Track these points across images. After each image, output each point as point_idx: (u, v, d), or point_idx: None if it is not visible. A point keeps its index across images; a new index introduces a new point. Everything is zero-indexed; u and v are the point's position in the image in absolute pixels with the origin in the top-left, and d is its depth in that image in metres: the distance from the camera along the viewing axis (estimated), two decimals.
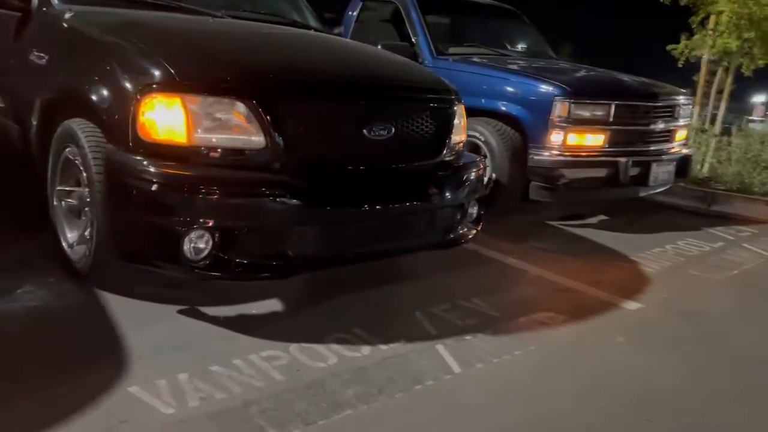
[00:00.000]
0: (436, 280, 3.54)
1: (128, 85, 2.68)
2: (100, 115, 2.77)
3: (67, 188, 3.13)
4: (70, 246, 3.10)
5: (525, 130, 4.78)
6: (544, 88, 4.70)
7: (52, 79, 3.20)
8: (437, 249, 3.35)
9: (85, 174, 2.87)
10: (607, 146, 4.73)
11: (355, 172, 2.94)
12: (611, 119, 4.69)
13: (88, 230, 2.90)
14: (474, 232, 3.52)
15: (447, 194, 3.25)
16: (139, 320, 2.73)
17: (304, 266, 2.83)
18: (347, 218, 2.87)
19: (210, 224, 2.59)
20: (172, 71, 2.62)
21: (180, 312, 2.85)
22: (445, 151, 3.30)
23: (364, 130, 2.91)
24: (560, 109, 4.59)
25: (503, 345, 2.82)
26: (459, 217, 3.40)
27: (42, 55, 3.32)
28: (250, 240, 2.69)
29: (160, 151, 2.61)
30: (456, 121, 3.39)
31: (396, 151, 3.09)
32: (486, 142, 4.89)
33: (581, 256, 4.25)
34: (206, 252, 2.63)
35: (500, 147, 4.82)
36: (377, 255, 3.09)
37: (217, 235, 2.61)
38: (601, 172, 4.75)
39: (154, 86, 2.61)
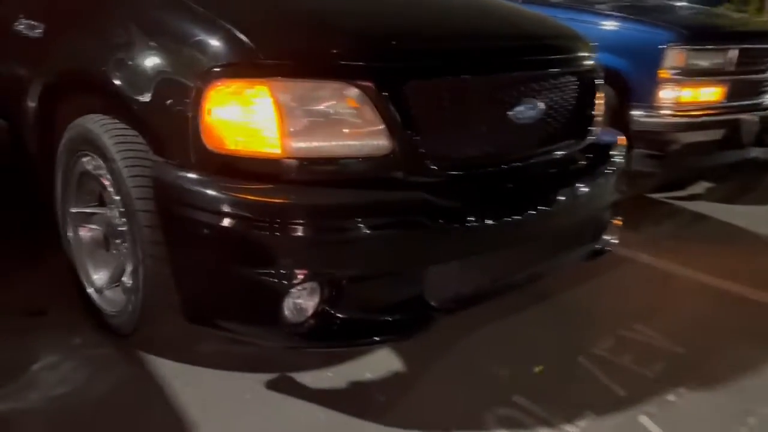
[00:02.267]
0: (571, 298, 2.74)
1: (184, 69, 1.77)
2: (138, 112, 1.87)
3: (86, 210, 2.24)
4: (98, 291, 2.23)
5: (624, 86, 3.91)
6: (652, 32, 3.81)
7: (54, 57, 2.25)
8: (585, 261, 2.55)
9: (117, 196, 1.98)
10: (726, 101, 3.89)
11: (506, 174, 2.08)
12: (734, 68, 3.84)
13: (127, 274, 2.04)
14: (618, 232, 2.72)
15: (599, 187, 2.41)
16: (220, 407, 1.90)
17: (445, 312, 2.00)
18: (505, 239, 2.03)
19: (323, 273, 1.75)
20: (252, 45, 1.72)
21: (269, 386, 2.02)
22: (591, 130, 2.45)
23: (510, 113, 2.05)
24: (674, 58, 3.72)
25: (721, 407, 2.05)
26: (607, 216, 2.58)
27: (34, 23, 2.36)
28: (377, 288, 1.85)
29: (239, 167, 1.73)
30: (598, 89, 2.53)
31: (542, 137, 2.23)
32: None
33: (721, 243, 3.47)
34: (312, 310, 1.80)
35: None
36: (528, 280, 2.28)
37: (330, 286, 1.78)
38: (719, 134, 3.93)
39: (225, 69, 1.71)
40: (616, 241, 2.64)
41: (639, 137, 3.87)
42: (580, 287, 2.80)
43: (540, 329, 2.47)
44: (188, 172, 1.75)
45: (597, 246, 2.55)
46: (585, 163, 2.42)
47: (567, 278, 2.78)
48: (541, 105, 2.15)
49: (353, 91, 1.75)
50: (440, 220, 1.83)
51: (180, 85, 1.75)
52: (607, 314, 2.61)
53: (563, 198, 2.21)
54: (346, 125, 1.78)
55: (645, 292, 2.86)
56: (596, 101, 2.48)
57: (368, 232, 1.75)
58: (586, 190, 2.33)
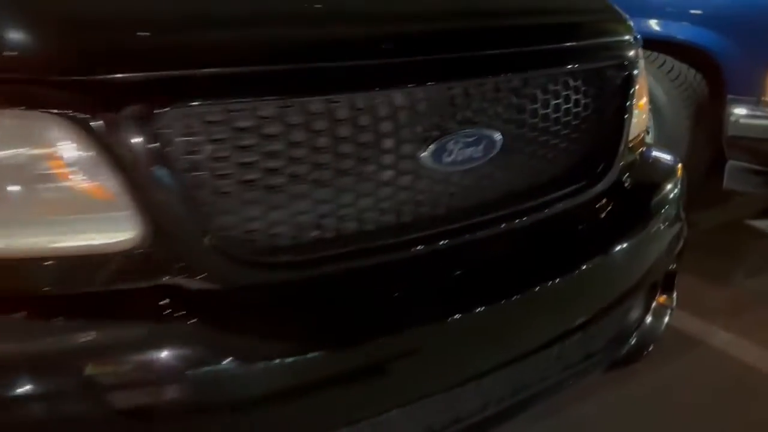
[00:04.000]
0: (585, 413, 1.76)
1: None
2: None
3: None
4: None
5: (718, 72, 2.76)
6: None
7: None
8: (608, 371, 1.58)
9: None
10: None
11: (422, 263, 1.15)
12: None
13: None
14: (667, 318, 1.71)
15: (631, 258, 1.43)
16: None
17: None
18: (431, 381, 1.12)
19: None
20: None
21: None
22: (617, 163, 1.45)
23: (425, 154, 1.11)
24: None
25: None
26: (647, 302, 1.59)
27: None
28: None
29: None
30: (636, 92, 1.51)
31: (502, 189, 1.27)
32: None
33: None
34: None
35: (671, 101, 2.85)
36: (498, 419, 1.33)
37: None
38: None
39: None
40: (662, 331, 1.65)
41: (736, 144, 2.73)
42: (604, 394, 1.81)
43: None
44: None
45: (628, 347, 1.57)
46: (604, 219, 1.44)
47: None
48: (497, 136, 1.19)
49: (52, 128, 0.89)
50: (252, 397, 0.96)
51: None
52: None
53: (551, 288, 1.26)
54: (58, 189, 0.92)
55: (712, 411, 1.82)
56: (630, 113, 1.47)
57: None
58: (605, 266, 1.37)
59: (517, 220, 1.27)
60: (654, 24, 2.92)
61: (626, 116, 1.44)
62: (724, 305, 2.30)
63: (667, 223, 1.54)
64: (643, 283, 1.49)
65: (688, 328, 2.15)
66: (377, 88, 1.05)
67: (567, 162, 1.37)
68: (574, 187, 1.37)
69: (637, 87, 1.48)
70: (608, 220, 1.43)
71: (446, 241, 1.19)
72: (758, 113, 2.63)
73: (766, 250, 2.81)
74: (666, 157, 1.75)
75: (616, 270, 1.41)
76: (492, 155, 1.20)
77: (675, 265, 1.72)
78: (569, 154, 1.37)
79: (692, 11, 2.79)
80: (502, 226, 1.26)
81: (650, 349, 1.66)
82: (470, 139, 1.15)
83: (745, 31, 2.64)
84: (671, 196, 1.59)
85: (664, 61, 2.89)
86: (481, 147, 1.17)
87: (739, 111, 2.68)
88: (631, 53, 1.46)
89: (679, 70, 2.87)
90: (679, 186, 1.64)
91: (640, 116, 1.61)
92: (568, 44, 1.29)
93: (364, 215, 1.10)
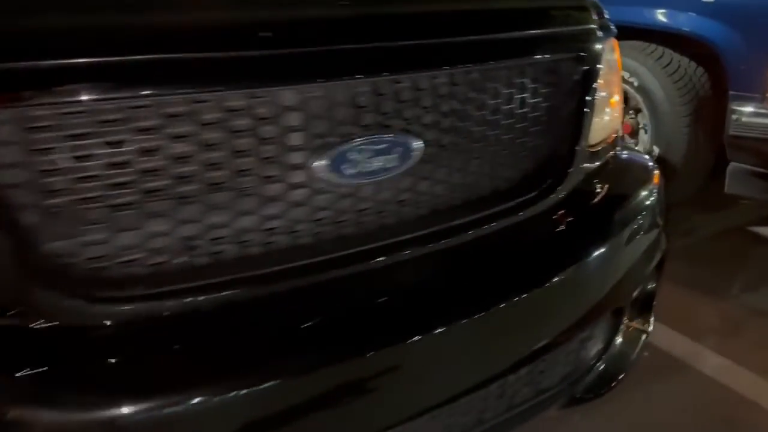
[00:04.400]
0: None
1: None
2: None
3: None
4: None
5: (722, 65, 2.53)
6: None
7: None
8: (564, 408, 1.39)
9: None
10: None
11: (315, 295, 0.96)
12: None
13: None
14: (641, 345, 1.51)
15: (589, 282, 1.24)
16: None
17: None
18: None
19: None
20: None
21: None
22: (574, 171, 1.26)
23: (320, 163, 0.93)
24: None
25: None
26: (612, 327, 1.39)
27: None
28: None
29: None
30: (598, 87, 1.32)
31: (428, 201, 1.09)
32: (641, 89, 2.71)
33: None
34: None
35: (670, 97, 2.63)
36: None
37: None
38: None
39: None
40: (630, 364, 1.45)
41: (738, 145, 2.51)
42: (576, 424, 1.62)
43: None
44: None
45: (586, 385, 1.37)
46: (559, 234, 1.24)
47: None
48: (416, 144, 1.01)
49: None
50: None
51: None
52: None
53: (489, 318, 1.07)
54: None
55: None
56: (588, 113, 1.28)
57: None
58: (557, 290, 1.18)
59: (447, 240, 1.09)
60: (650, 13, 2.69)
61: (584, 117, 1.25)
62: (718, 323, 2.09)
63: (637, 237, 1.34)
64: (605, 306, 1.30)
65: (676, 350, 1.95)
66: (254, 85, 0.87)
67: (510, 171, 1.18)
68: (519, 200, 1.18)
69: (599, 83, 1.28)
70: (564, 235, 1.24)
71: (356, 265, 1.01)
72: (762, 111, 2.40)
73: (760, 261, 2.58)
74: (642, 161, 1.55)
75: (572, 293, 1.22)
76: (412, 165, 1.02)
77: (653, 284, 1.53)
78: (512, 162, 1.18)
79: (696, 2, 2.57)
80: (429, 246, 1.07)
81: (620, 379, 1.46)
82: (380, 147, 0.97)
83: (750, 22, 2.41)
84: (644, 206, 1.39)
85: (663, 54, 2.68)
86: (395, 156, 0.99)
87: (742, 108, 2.46)
88: (593, 45, 1.26)
89: (679, 63, 2.65)
90: (654, 194, 1.44)
91: (610, 115, 1.42)
92: (505, 34, 1.09)
93: (246, 237, 0.92)
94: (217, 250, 0.91)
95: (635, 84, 2.72)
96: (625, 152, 1.55)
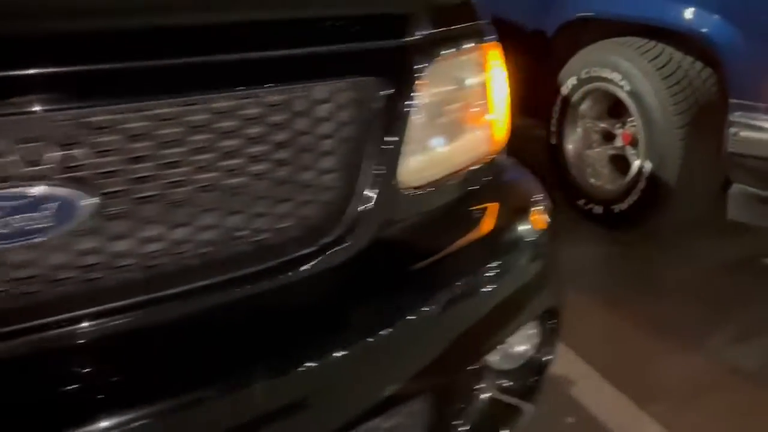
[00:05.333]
0: None
1: None
2: None
3: None
4: None
5: (723, 69, 2.13)
6: None
7: None
8: None
9: None
10: None
11: None
12: None
13: None
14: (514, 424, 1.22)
15: (371, 365, 0.96)
16: None
17: None
18: None
19: None
20: None
21: None
22: (373, 217, 0.98)
23: None
24: None
25: None
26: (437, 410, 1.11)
27: None
28: None
29: None
30: (432, 111, 1.04)
31: (131, 261, 0.84)
32: (633, 93, 2.32)
33: None
34: None
35: (663, 104, 2.24)
36: None
37: None
38: None
39: None
40: None
41: (738, 164, 2.10)
42: None
43: None
44: None
45: None
46: (343, 303, 0.97)
47: None
48: (90, 201, 0.77)
49: None
50: None
51: None
52: None
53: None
54: None
55: None
56: (400, 142, 1.00)
57: None
58: (330, 376, 0.92)
59: (157, 310, 0.85)
60: (651, 8, 2.30)
61: (389, 153, 0.97)
62: (677, 384, 1.73)
63: (481, 298, 1.06)
64: (413, 388, 1.02)
65: (616, 419, 1.61)
66: None
67: (270, 222, 0.92)
68: (284, 258, 0.92)
69: (412, 110, 0.99)
70: (354, 301, 0.97)
71: (22, 341, 0.79)
72: (764, 125, 1.98)
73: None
74: (522, 194, 1.24)
75: (353, 376, 0.95)
76: (88, 223, 0.79)
77: (538, 352, 1.24)
78: (271, 211, 0.92)
79: None
80: (128, 319, 0.84)
81: None
82: (15, 204, 0.74)
83: (753, 18, 1.99)
84: (501, 258, 1.10)
85: (660, 53, 2.28)
86: (46, 214, 0.76)
87: (745, 120, 2.04)
88: (404, 64, 0.98)
89: (679, 64, 2.25)
90: (528, 243, 1.15)
91: (470, 141, 1.14)
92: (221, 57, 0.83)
93: None
94: None
95: (626, 88, 2.34)
96: (508, 181, 1.25)
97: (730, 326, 1.98)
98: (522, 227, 1.18)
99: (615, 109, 2.51)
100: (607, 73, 2.40)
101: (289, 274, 0.93)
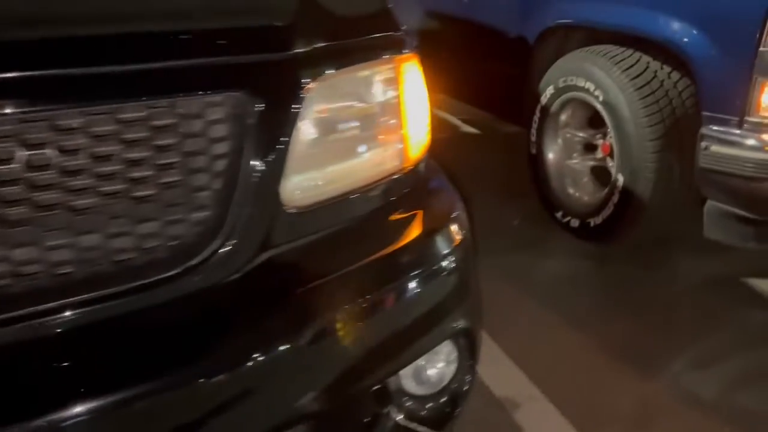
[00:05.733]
0: None
1: None
2: None
3: None
4: None
5: (696, 80, 2.04)
6: None
7: None
8: None
9: None
10: None
11: None
12: None
13: None
14: None
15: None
16: None
17: None
18: None
19: None
20: None
21: None
22: (236, 241, 0.93)
23: None
24: None
25: None
26: None
27: None
28: None
29: None
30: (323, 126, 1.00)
31: None
32: (606, 103, 2.24)
33: None
34: None
35: (637, 114, 2.15)
36: None
37: None
38: None
39: None
40: None
41: (709, 181, 2.01)
42: None
43: None
44: None
45: None
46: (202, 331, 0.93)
47: None
48: None
49: None
50: None
51: None
52: None
53: None
54: None
55: None
56: (273, 159, 0.95)
57: None
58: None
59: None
60: (626, 16, 2.23)
61: (262, 170, 0.92)
62: (628, 412, 1.65)
63: (364, 328, 1.00)
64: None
65: None
66: None
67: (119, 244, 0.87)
68: (134, 284, 0.88)
69: (295, 127, 0.94)
70: (215, 329, 0.92)
71: None
72: (735, 139, 1.89)
73: (748, 326, 2.05)
74: (435, 216, 1.18)
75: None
76: None
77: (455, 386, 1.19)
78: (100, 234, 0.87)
79: (670, 4, 2.07)
80: None
81: None
82: None
83: (724, 24, 1.90)
84: (394, 286, 1.04)
85: (636, 62, 2.20)
86: None
87: (716, 134, 1.96)
88: (274, 79, 0.93)
89: (654, 73, 2.17)
90: (434, 269, 1.09)
91: (379, 155, 1.09)
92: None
93: None
94: None
95: (600, 98, 2.26)
96: (423, 196, 1.20)
97: (692, 350, 1.90)
98: (432, 243, 1.12)
99: (596, 119, 2.43)
100: (582, 83, 2.32)
101: (150, 296, 0.89)
